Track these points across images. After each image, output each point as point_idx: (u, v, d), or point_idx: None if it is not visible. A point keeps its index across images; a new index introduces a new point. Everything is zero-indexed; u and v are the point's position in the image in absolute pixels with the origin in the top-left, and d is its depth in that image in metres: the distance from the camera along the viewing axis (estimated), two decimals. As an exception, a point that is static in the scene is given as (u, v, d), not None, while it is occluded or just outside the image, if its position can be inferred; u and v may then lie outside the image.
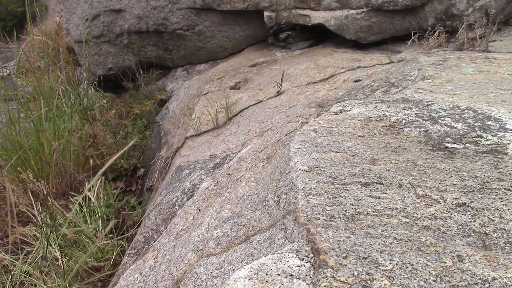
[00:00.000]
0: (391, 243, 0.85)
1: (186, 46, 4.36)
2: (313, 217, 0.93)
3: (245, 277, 0.80)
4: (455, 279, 0.76)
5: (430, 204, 1.00)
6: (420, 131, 1.42)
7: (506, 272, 0.77)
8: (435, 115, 1.52)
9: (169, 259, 1.39)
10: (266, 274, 0.80)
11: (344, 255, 0.81)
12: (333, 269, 0.78)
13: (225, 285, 0.82)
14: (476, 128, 1.41)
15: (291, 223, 0.97)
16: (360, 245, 0.84)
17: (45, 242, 2.16)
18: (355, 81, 2.52)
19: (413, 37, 2.95)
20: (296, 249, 0.86)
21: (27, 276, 2.01)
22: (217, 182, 1.75)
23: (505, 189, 1.04)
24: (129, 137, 3.72)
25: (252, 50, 4.15)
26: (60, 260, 2.23)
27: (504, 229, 0.90)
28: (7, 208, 1.73)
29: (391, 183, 1.08)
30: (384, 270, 0.77)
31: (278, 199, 1.13)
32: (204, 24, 4.12)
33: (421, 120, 1.49)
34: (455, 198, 1.01)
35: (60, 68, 4.96)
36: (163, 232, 1.75)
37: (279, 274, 0.80)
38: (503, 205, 0.98)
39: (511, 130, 1.37)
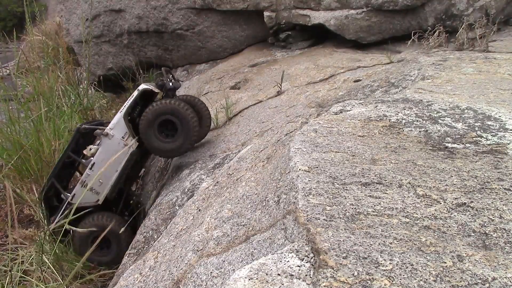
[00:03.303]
0: (391, 243, 0.85)
1: (186, 46, 4.35)
2: (313, 217, 0.93)
3: (245, 277, 0.80)
4: (455, 279, 0.76)
5: (430, 204, 1.00)
6: (420, 131, 1.42)
7: (506, 272, 0.77)
8: (435, 115, 1.52)
9: (169, 259, 1.39)
10: (266, 274, 0.80)
11: (344, 255, 0.81)
12: (333, 269, 0.78)
13: (225, 285, 0.82)
14: (476, 128, 1.41)
15: (291, 223, 0.97)
16: (360, 245, 0.83)
17: (42, 241, 2.16)
18: (355, 81, 2.52)
19: (413, 37, 2.94)
20: (296, 249, 0.86)
21: (27, 276, 2.01)
22: (217, 182, 1.75)
23: (505, 189, 1.04)
24: (129, 137, 3.71)
25: (252, 50, 4.15)
26: (60, 260, 2.23)
27: (504, 229, 0.90)
28: (7, 208, 1.73)
29: (391, 183, 1.08)
30: (384, 270, 0.77)
31: (278, 199, 1.13)
32: (204, 24, 4.12)
33: (421, 120, 1.49)
34: (455, 198, 1.01)
35: (60, 68, 4.96)
36: (163, 232, 1.75)
37: (279, 274, 0.80)
38: (503, 205, 0.98)
39: (511, 130, 1.37)
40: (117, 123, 2.31)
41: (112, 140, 2.31)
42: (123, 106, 2.33)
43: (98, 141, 2.39)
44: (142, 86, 2.34)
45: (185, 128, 2.25)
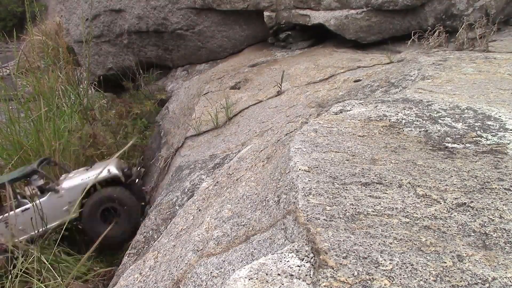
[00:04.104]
0: (391, 243, 0.85)
1: (186, 46, 4.35)
2: (313, 217, 0.93)
3: (245, 277, 0.80)
4: (455, 279, 0.76)
5: (430, 204, 1.00)
6: (420, 131, 1.42)
7: (506, 272, 0.77)
8: (435, 115, 1.52)
9: (169, 259, 1.39)
10: (266, 274, 0.80)
11: (344, 255, 0.81)
12: (333, 269, 0.78)
13: (225, 285, 0.82)
14: (476, 128, 1.40)
15: (291, 223, 0.97)
16: (360, 245, 0.83)
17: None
18: (355, 81, 2.52)
19: (413, 37, 2.94)
20: (296, 249, 0.86)
21: (27, 276, 2.01)
22: (217, 182, 1.74)
23: (505, 189, 1.04)
24: (129, 137, 3.72)
25: (252, 50, 4.15)
26: (61, 260, 2.23)
27: (504, 229, 0.90)
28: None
29: (391, 183, 1.08)
30: (384, 270, 0.77)
31: (278, 199, 1.13)
32: (204, 24, 4.12)
33: (421, 120, 1.49)
34: (455, 198, 1.01)
35: (60, 68, 4.96)
36: (163, 232, 1.75)
37: (279, 274, 0.80)
38: (503, 205, 0.98)
39: (511, 130, 1.37)
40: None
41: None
42: None
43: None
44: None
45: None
